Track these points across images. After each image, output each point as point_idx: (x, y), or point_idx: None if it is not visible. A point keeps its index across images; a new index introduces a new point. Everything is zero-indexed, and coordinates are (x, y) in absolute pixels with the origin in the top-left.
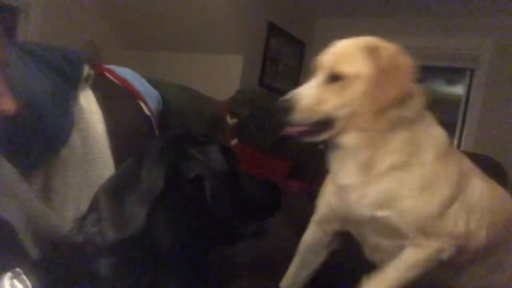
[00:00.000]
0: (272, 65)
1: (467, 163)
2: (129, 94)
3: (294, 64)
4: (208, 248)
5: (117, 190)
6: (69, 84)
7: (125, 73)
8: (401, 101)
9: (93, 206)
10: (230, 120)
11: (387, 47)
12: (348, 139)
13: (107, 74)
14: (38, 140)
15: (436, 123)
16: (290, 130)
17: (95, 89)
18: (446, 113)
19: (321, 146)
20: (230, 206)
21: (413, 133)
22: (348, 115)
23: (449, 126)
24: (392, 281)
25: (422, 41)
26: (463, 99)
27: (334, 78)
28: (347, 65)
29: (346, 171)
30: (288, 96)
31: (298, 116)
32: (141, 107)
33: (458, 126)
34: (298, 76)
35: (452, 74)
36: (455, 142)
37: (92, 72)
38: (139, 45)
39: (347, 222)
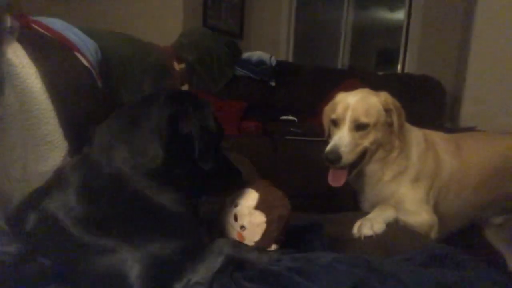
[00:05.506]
0: (214, 5)
1: (440, 144)
2: (64, 46)
3: (237, 2)
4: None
5: (123, 128)
6: None
7: (55, 24)
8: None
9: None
10: (178, 66)
11: (384, 97)
12: (370, 168)
13: (35, 26)
14: None
15: (415, 130)
16: (337, 178)
17: (24, 42)
18: (389, 39)
19: (272, 84)
20: (212, 163)
21: (405, 150)
22: (375, 149)
23: (393, 51)
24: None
25: None
26: (404, 24)
27: (359, 126)
28: (367, 117)
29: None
30: (330, 147)
31: (345, 160)
32: (78, 59)
33: (401, 50)
34: (242, 14)
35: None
36: (399, 66)
37: (16, 23)
38: None
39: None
